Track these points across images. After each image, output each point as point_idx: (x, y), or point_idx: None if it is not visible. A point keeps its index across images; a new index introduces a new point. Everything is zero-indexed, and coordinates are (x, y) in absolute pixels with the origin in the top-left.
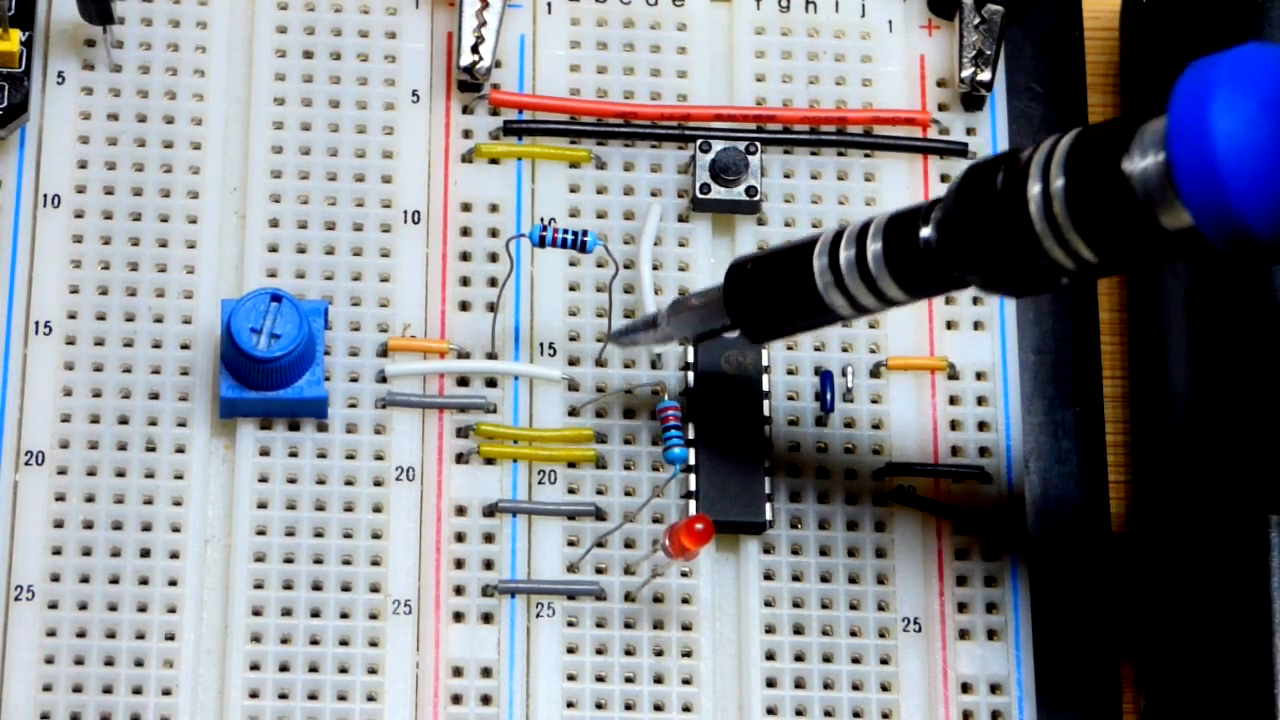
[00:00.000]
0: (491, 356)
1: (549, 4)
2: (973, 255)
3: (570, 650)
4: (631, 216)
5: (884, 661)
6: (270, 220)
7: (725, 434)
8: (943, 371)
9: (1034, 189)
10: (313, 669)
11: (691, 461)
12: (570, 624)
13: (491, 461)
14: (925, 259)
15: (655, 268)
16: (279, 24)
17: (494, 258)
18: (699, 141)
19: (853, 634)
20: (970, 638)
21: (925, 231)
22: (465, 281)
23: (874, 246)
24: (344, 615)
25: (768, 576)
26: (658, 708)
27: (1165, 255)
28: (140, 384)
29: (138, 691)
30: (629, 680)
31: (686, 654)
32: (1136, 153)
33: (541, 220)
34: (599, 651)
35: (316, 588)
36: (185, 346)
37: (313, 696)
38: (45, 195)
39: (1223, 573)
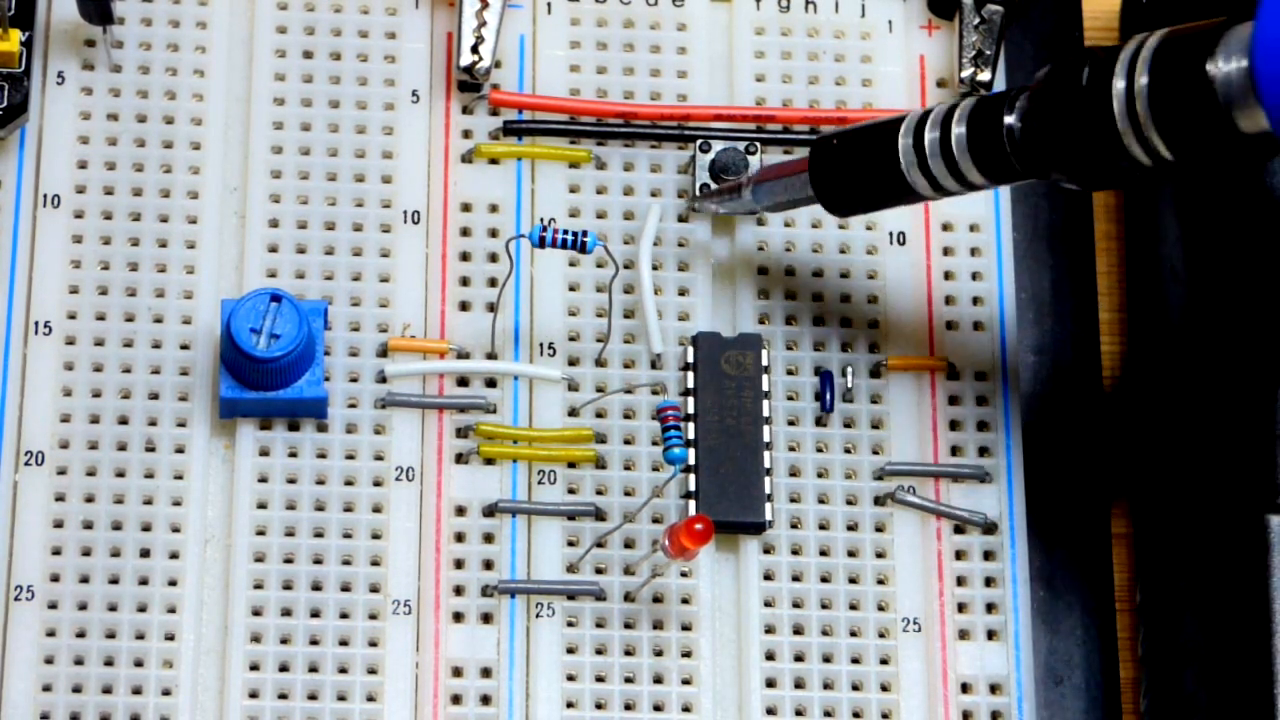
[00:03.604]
0: (491, 357)
1: (549, 4)
2: (1054, 147)
3: (570, 650)
4: (631, 217)
5: (884, 662)
6: (270, 220)
7: (725, 434)
8: (942, 371)
9: (1118, 85)
10: (312, 669)
11: (691, 462)
12: (570, 624)
13: (491, 462)
14: (1008, 146)
15: (655, 268)
16: (279, 24)
17: (494, 258)
18: (699, 141)
19: (852, 634)
20: (970, 638)
21: (1009, 119)
22: (465, 281)
23: (958, 130)
24: (344, 615)
25: (767, 577)
26: (657, 708)
27: (1240, 157)
28: (140, 384)
29: (137, 692)
30: (629, 680)
31: (686, 654)
32: (1221, 56)
33: (541, 220)
34: (599, 652)
35: (316, 588)
36: (185, 346)
37: (312, 697)
38: (45, 195)
39: (1223, 572)
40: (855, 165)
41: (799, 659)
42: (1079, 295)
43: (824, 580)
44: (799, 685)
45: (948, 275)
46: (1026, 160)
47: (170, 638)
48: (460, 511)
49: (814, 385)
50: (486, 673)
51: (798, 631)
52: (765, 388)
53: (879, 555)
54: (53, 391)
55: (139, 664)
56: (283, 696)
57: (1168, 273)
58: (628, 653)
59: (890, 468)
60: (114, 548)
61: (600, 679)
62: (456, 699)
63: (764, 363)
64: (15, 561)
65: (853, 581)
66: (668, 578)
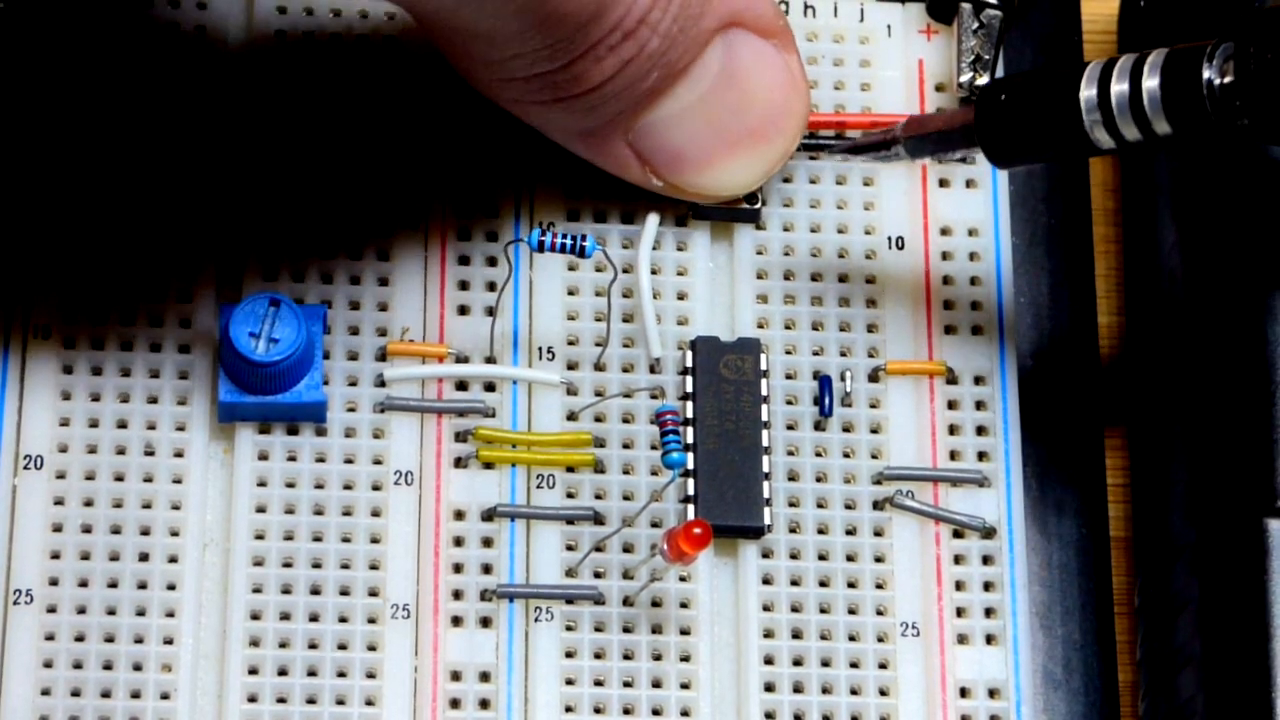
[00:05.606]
0: (490, 361)
1: None
2: (1269, 106)
3: (568, 654)
4: (631, 220)
5: (882, 666)
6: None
7: (724, 439)
8: (941, 376)
9: None
10: (311, 673)
11: (690, 466)
12: (569, 628)
13: (490, 466)
14: (1208, 103)
15: (654, 272)
16: (278, 27)
17: (493, 262)
18: None
19: (851, 638)
20: (968, 642)
21: (1208, 73)
22: (464, 285)
23: (1150, 83)
24: (342, 619)
25: (766, 581)
26: (656, 712)
27: None
28: (139, 388)
29: (136, 695)
30: (627, 684)
31: (685, 658)
32: None
33: (540, 224)
34: (597, 656)
35: (315, 592)
36: (184, 350)
37: (311, 701)
38: None
39: (1221, 576)
40: (1028, 118)
41: (797, 663)
42: (1077, 299)
43: (822, 584)
44: (797, 689)
45: (946, 280)
46: (1229, 117)
47: (169, 641)
48: (459, 515)
49: (813, 389)
50: (485, 677)
51: (796, 636)
52: (764, 392)
53: (878, 560)
54: (51, 396)
55: (138, 668)
56: (281, 700)
57: (1166, 277)
58: (626, 657)
59: (889, 472)
60: (113, 552)
61: (599, 683)
62: (455, 703)
63: (763, 367)
64: (14, 565)
65: (851, 586)
66: (666, 582)
